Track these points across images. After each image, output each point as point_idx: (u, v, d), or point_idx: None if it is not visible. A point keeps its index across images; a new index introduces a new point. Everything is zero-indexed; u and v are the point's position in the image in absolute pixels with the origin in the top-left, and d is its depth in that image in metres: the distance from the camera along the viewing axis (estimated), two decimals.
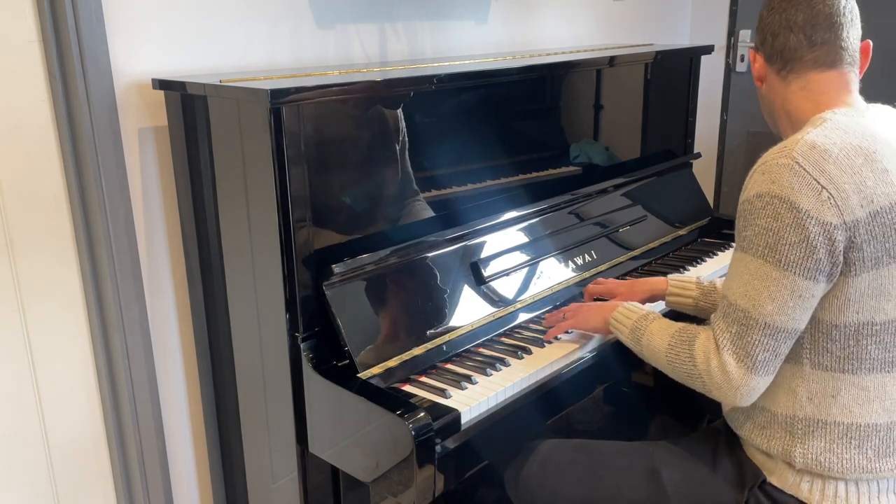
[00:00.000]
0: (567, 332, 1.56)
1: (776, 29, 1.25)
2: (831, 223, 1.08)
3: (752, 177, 1.16)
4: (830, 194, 1.09)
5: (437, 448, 1.23)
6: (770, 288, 1.12)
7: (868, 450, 1.18)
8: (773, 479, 1.26)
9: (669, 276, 1.66)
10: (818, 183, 1.09)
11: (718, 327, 1.19)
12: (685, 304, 1.60)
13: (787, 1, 1.24)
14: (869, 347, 1.16)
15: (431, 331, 1.48)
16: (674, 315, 1.55)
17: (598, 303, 1.54)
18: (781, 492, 1.24)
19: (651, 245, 2.03)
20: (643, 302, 1.63)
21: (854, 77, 1.25)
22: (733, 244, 2.10)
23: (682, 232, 2.16)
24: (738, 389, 1.17)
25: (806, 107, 1.24)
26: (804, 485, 1.22)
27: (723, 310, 1.19)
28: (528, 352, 1.49)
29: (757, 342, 1.14)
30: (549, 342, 1.53)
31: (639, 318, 1.37)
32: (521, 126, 1.85)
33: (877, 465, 1.18)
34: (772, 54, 1.27)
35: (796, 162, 1.11)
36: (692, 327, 1.27)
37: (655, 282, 1.64)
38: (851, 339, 1.16)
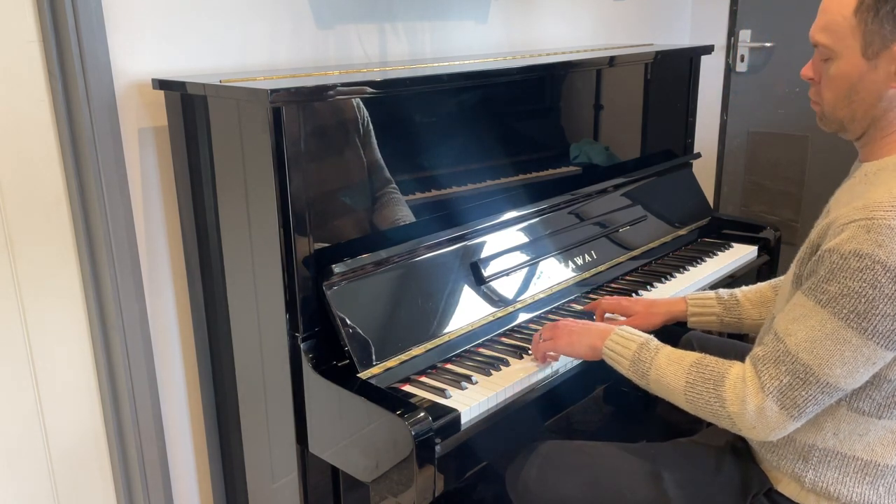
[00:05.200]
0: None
1: None
2: None
3: (850, 227, 1.05)
4: None
5: (437, 448, 1.23)
6: (845, 353, 1.05)
7: (880, 487, 1.17)
8: (779, 487, 1.24)
9: (687, 295, 1.58)
10: None
11: (767, 372, 1.11)
12: (709, 322, 1.54)
13: None
14: None
15: (431, 330, 1.48)
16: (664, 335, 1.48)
17: (582, 323, 1.40)
18: (788, 499, 1.23)
19: (651, 245, 2.03)
20: (662, 324, 1.56)
21: None
22: (734, 244, 2.13)
23: (682, 232, 2.16)
24: (773, 431, 1.12)
25: None
26: (811, 497, 1.21)
27: (775, 354, 1.11)
28: (528, 352, 1.49)
29: (811, 398, 1.08)
30: None
31: (638, 347, 1.28)
32: (521, 126, 1.85)
33: (886, 500, 1.17)
34: None
35: None
36: (711, 361, 1.20)
37: (674, 302, 1.57)
38: None
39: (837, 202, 1.19)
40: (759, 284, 1.55)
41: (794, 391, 1.09)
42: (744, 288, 1.56)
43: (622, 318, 1.59)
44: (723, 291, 1.56)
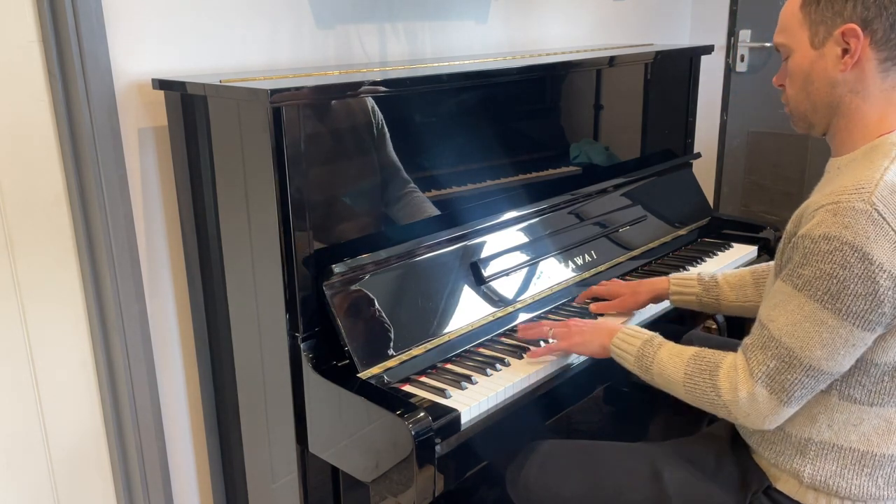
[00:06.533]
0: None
1: None
2: None
3: (818, 213, 1.08)
4: None
5: (437, 448, 1.23)
6: (823, 334, 1.07)
7: (879, 478, 1.17)
8: (778, 485, 1.25)
9: (671, 275, 1.66)
10: None
11: (755, 358, 1.14)
12: (689, 302, 1.61)
13: None
14: None
15: (431, 330, 1.47)
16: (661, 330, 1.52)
17: (591, 323, 1.46)
18: (787, 497, 1.23)
19: (651, 245, 2.03)
20: (647, 302, 1.64)
21: None
22: (734, 244, 2.13)
23: (681, 232, 2.16)
24: (767, 418, 1.15)
25: (878, 113, 1.14)
26: (810, 494, 1.21)
27: (761, 341, 1.14)
28: (528, 351, 1.49)
29: (797, 381, 1.11)
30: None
31: (642, 343, 1.32)
32: (521, 126, 1.85)
33: (885, 492, 1.18)
34: (889, 38, 1.10)
35: (875, 209, 1.03)
36: (708, 353, 1.23)
37: (657, 281, 1.65)
38: (887, 375, 1.13)
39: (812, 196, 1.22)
40: (740, 269, 1.61)
41: (780, 375, 1.12)
42: (725, 271, 1.62)
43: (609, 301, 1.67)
44: (704, 273, 1.62)
